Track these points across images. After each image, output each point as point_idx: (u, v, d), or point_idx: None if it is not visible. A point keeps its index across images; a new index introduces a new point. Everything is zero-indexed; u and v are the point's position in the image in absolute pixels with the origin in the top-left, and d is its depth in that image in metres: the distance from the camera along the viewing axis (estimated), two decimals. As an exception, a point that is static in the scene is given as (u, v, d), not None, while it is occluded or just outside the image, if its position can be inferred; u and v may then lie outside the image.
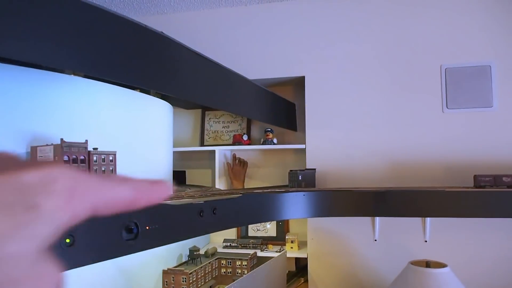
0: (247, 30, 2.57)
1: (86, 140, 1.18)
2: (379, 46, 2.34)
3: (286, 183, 2.37)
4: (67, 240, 0.78)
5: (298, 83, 2.56)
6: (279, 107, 2.39)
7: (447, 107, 2.21)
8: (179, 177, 2.73)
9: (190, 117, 2.92)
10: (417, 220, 2.20)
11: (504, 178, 1.76)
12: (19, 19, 0.80)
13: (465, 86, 2.20)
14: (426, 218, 2.16)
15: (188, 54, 1.30)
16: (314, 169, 2.26)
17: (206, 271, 1.98)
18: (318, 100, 2.41)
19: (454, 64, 2.22)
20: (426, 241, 2.18)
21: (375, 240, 2.24)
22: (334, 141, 2.36)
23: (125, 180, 0.25)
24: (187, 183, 2.83)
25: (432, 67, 2.25)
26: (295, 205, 1.65)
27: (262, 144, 2.55)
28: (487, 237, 2.11)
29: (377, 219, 2.23)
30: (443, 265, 1.64)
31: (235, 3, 2.55)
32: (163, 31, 1.10)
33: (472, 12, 2.22)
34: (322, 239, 2.34)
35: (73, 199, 0.22)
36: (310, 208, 1.71)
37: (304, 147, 2.41)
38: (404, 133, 2.26)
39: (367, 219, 2.25)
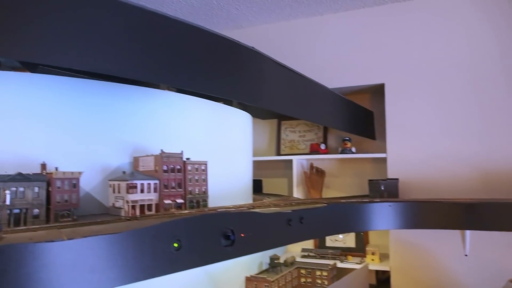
0: (324, 40, 2.57)
1: (182, 151, 1.27)
2: (462, 53, 2.21)
3: (364, 193, 2.32)
4: (175, 245, 0.84)
5: (376, 91, 2.50)
6: (357, 115, 2.35)
7: (547, 112, 2.02)
8: (256, 185, 2.79)
9: (266, 127, 2.98)
10: (509, 234, 2.02)
11: None
12: (121, 40, 0.89)
13: None
14: (525, 233, 1.98)
15: (273, 66, 1.34)
16: (397, 179, 2.18)
17: (287, 280, 2.00)
18: (399, 108, 2.33)
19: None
20: (525, 258, 1.99)
21: (466, 255, 2.09)
22: (417, 150, 2.26)
23: None
24: (263, 192, 2.87)
25: (528, 69, 2.08)
26: (380, 216, 1.60)
27: (340, 153, 2.52)
28: None
29: (468, 232, 2.08)
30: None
31: (311, 14, 2.57)
32: (254, 47, 1.15)
33: None
34: (406, 252, 2.24)
35: None
36: (396, 219, 1.66)
37: (385, 156, 2.34)
38: (494, 142, 2.10)
39: (455, 232, 2.12)
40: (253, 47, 1.13)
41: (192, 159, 1.32)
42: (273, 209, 1.13)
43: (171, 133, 1.45)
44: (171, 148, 1.30)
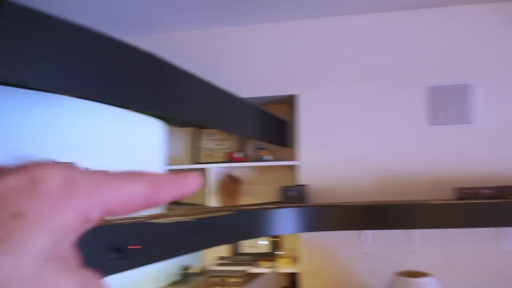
0: (241, 50, 2.66)
1: (73, 162, 1.23)
2: (368, 67, 2.43)
3: (280, 199, 2.43)
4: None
5: (292, 102, 2.64)
6: (271, 125, 2.46)
7: (431, 124, 2.29)
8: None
9: (185, 135, 2.98)
10: (406, 232, 2.25)
11: (483, 190, 1.83)
12: (19, 45, 0.86)
13: (447, 103, 2.29)
14: (413, 230, 2.22)
15: (181, 74, 1.36)
16: (305, 185, 2.32)
17: (199, 288, 2.01)
18: (310, 118, 2.49)
19: (438, 83, 2.32)
20: (414, 252, 2.22)
21: (366, 253, 2.28)
22: (326, 157, 2.42)
23: (139, 175, 0.22)
24: (180, 202, 2.86)
25: (417, 86, 2.35)
26: (285, 220, 1.70)
27: (254, 161, 2.61)
28: (470, 247, 2.17)
29: (369, 232, 2.28)
30: (427, 275, 1.69)
31: (229, 24, 2.64)
32: (155, 52, 1.17)
33: (454, 34, 2.33)
34: (315, 254, 2.38)
35: (69, 199, 0.18)
36: (300, 223, 1.76)
37: (297, 164, 2.47)
38: (392, 149, 2.34)
39: (359, 232, 2.30)
40: (153, 53, 1.15)
41: (93, 168, 1.29)
42: (174, 219, 1.16)
43: (71, 142, 1.40)
44: (71, 158, 1.27)
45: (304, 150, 2.46)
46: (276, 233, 1.71)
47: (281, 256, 2.51)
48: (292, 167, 2.61)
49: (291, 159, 2.58)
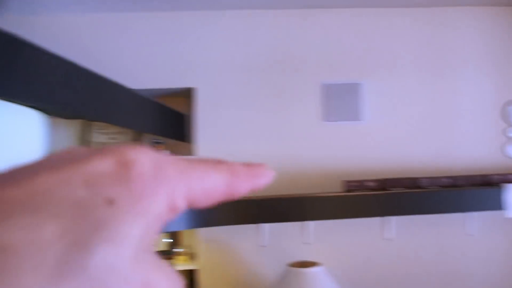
0: (135, 39, 2.49)
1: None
2: (265, 62, 2.45)
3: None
4: None
5: (190, 95, 2.56)
6: (167, 118, 2.35)
7: (324, 120, 2.40)
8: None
9: (74, 129, 2.73)
10: (301, 224, 2.33)
11: (367, 183, 1.97)
12: None
13: (340, 101, 2.42)
14: (307, 222, 2.31)
15: (50, 59, 1.21)
16: (202, 180, 2.27)
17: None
18: (208, 112, 2.43)
19: (331, 81, 2.43)
20: (308, 244, 2.32)
21: (262, 246, 2.31)
22: (224, 152, 2.40)
23: (219, 163, 0.21)
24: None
25: (312, 83, 2.44)
26: (177, 216, 1.63)
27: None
28: (358, 236, 2.33)
29: (266, 226, 2.31)
30: (317, 265, 1.76)
31: (121, 9, 2.46)
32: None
33: (347, 34, 2.46)
34: (213, 250, 2.34)
35: (160, 185, 0.17)
36: (193, 219, 1.71)
37: (194, 159, 2.40)
38: (287, 144, 2.40)
39: (256, 226, 2.32)
40: (14, 33, 0.99)
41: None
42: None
43: None
44: None
45: (202, 145, 2.41)
46: (168, 230, 1.63)
47: (179, 254, 2.44)
48: (190, 162, 2.54)
49: (189, 154, 2.51)
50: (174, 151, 2.64)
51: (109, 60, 2.41)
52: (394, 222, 2.31)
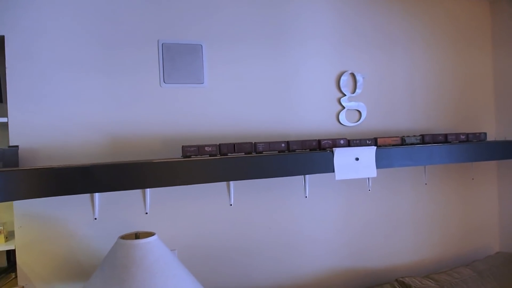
0: None
1: None
2: (95, 17, 2.16)
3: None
4: None
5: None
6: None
7: (164, 82, 2.27)
8: None
9: None
10: (139, 193, 2.21)
11: (206, 148, 1.95)
12: None
13: (181, 62, 2.31)
14: (145, 190, 2.20)
15: None
16: (17, 146, 1.92)
17: None
18: (21, 67, 2.04)
19: (171, 40, 2.29)
20: (147, 213, 2.22)
21: (95, 219, 2.12)
22: (46, 115, 2.06)
23: None
24: None
25: (150, 42, 2.26)
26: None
27: None
28: (198, 202, 2.33)
29: (96, 195, 2.11)
30: (151, 235, 1.68)
31: None
32: None
33: (186, -8, 2.33)
34: (34, 226, 2.04)
35: None
36: (6, 191, 1.43)
37: (6, 121, 2.01)
38: (123, 107, 2.20)
39: (85, 197, 2.10)
40: None
41: None
42: None
43: None
44: None
45: (15, 105, 2.02)
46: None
47: (-11, 234, 2.06)
48: (1, 125, 2.13)
49: (2, 115, 2.10)
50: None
51: None
52: (232, 187, 2.38)
